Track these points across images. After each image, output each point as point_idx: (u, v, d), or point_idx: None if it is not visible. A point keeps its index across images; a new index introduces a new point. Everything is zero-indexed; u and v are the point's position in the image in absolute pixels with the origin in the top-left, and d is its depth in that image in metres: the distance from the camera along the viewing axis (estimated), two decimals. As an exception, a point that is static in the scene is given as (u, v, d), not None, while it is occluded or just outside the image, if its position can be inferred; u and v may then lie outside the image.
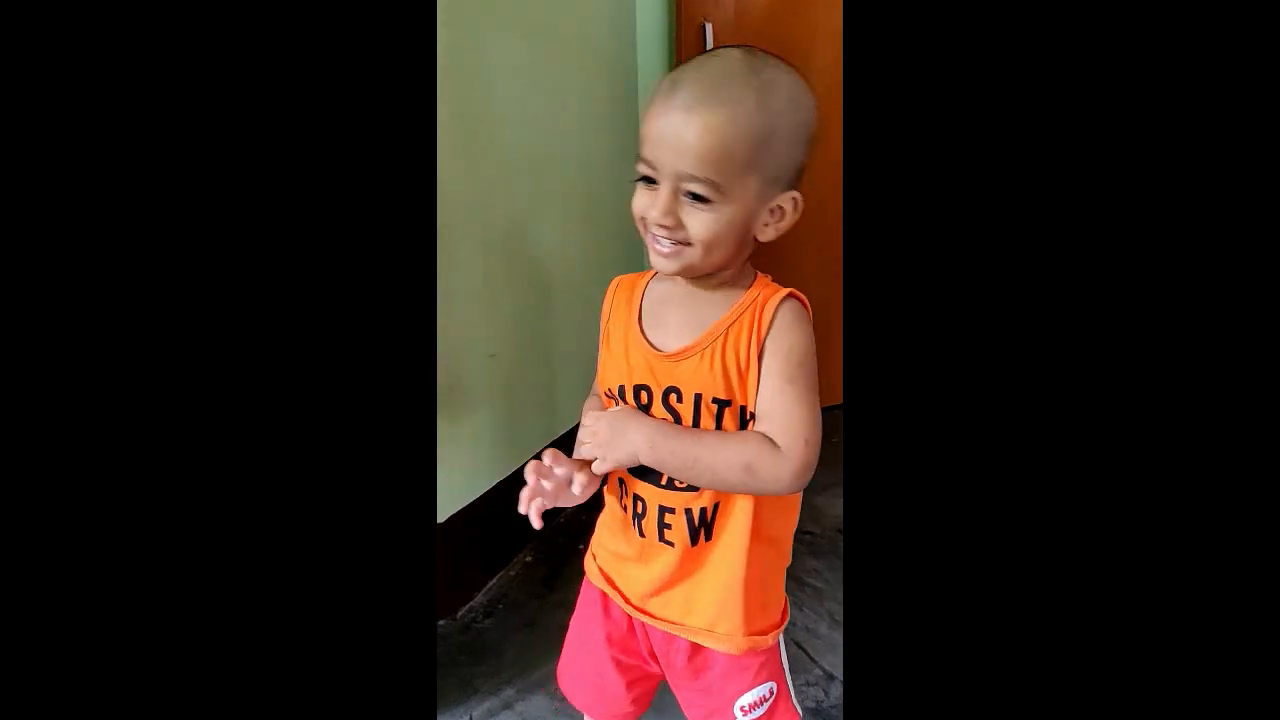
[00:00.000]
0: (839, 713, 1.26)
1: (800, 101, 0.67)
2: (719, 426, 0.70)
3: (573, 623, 0.90)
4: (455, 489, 1.49)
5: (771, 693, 0.80)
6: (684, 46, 2.09)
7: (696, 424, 0.71)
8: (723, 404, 0.70)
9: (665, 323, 0.75)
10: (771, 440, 0.67)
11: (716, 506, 0.74)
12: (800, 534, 0.79)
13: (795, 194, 0.69)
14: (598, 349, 0.79)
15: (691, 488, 0.74)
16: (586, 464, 0.74)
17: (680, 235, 0.66)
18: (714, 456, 0.68)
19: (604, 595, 0.85)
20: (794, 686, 0.82)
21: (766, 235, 0.70)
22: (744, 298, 0.72)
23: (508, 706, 1.29)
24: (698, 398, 0.71)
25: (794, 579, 1.62)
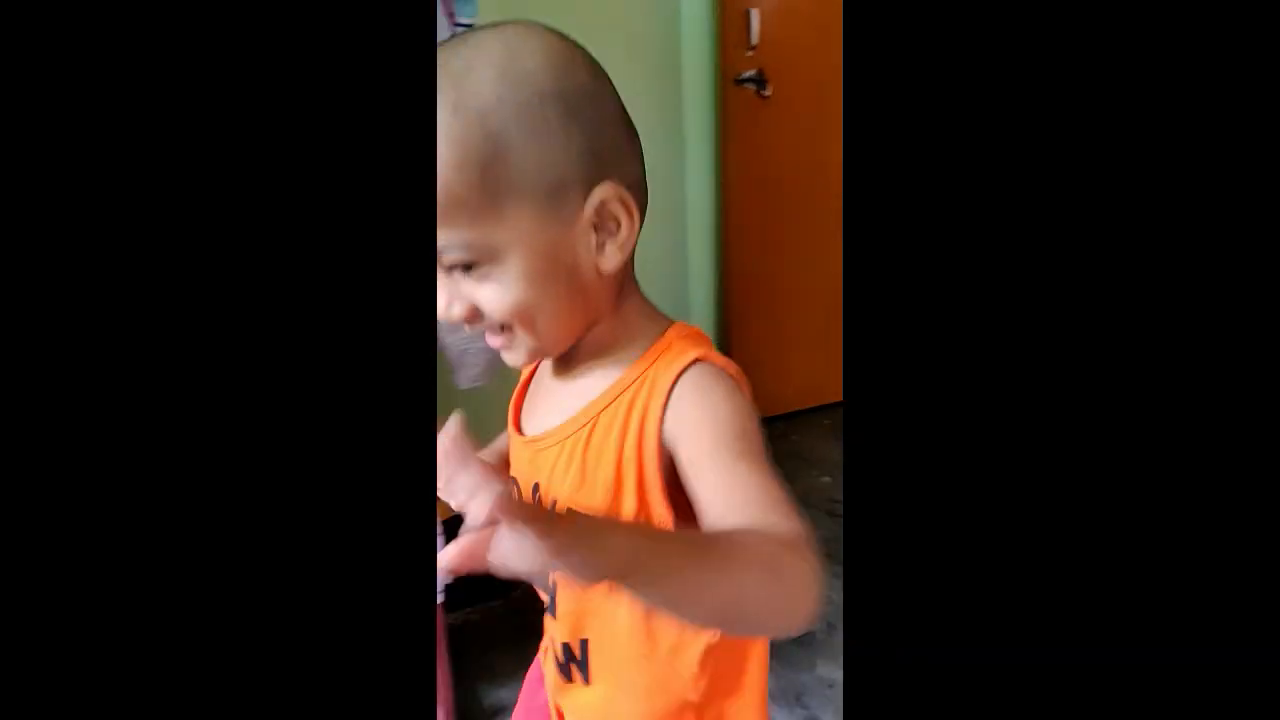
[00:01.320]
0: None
1: (522, 70, 0.45)
2: None
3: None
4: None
5: None
6: (728, 35, 2.04)
7: None
8: None
9: (539, 400, 0.57)
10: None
11: (585, 645, 0.55)
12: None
13: (609, 187, 0.47)
14: None
15: (552, 609, 0.56)
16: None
17: (485, 322, 0.49)
18: (726, 560, 0.39)
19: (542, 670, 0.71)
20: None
21: (610, 261, 0.48)
22: (627, 371, 0.51)
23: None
24: (553, 505, 0.51)
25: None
